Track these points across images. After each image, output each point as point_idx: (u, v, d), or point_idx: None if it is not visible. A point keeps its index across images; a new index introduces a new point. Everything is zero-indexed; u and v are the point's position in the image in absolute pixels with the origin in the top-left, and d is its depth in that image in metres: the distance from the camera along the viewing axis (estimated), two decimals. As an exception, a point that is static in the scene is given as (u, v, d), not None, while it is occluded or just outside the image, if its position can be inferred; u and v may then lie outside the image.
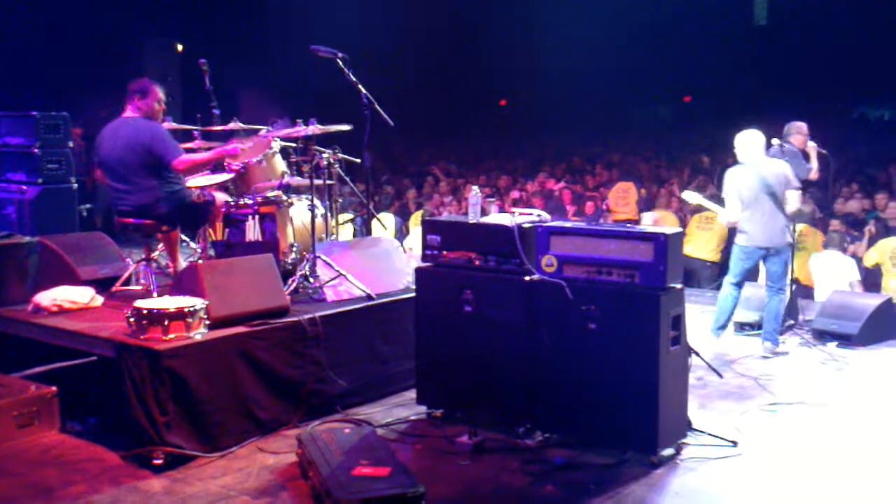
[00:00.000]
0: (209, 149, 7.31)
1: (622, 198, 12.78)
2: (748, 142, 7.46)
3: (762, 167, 7.38)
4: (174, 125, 7.27)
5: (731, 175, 7.54)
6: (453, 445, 5.19)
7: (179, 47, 17.84)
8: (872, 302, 7.86)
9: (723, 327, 7.58)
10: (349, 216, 11.16)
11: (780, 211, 7.32)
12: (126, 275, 6.57)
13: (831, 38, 19.81)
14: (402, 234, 12.29)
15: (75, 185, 9.09)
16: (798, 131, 8.52)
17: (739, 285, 7.52)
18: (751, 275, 7.83)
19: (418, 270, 5.73)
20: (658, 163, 16.97)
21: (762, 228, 7.31)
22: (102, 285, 6.41)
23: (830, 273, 9.19)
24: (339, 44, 6.92)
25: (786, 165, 7.48)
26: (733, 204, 7.46)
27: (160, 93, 6.37)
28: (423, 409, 5.77)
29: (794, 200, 7.44)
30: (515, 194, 14.24)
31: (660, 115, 23.83)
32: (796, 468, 4.96)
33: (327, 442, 4.82)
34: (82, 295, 6.06)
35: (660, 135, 19.30)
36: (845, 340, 7.56)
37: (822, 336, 7.72)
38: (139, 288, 6.49)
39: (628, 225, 7.36)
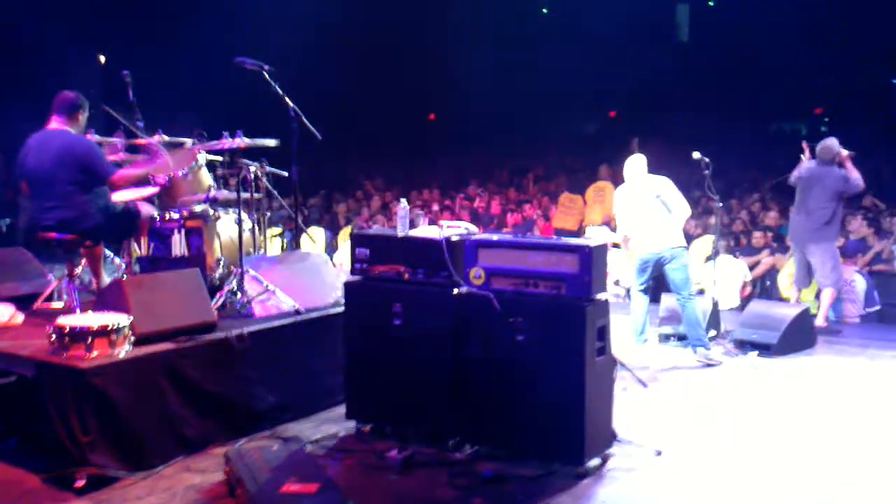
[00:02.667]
0: (131, 161, 7.27)
1: (568, 209, 12.99)
2: (634, 166, 7.88)
3: (648, 181, 7.80)
4: (98, 137, 7.15)
5: (618, 194, 8.07)
6: (383, 460, 5.18)
7: (102, 59, 17.50)
8: (790, 312, 8.10)
9: (642, 332, 7.95)
10: (278, 230, 11.09)
11: (670, 218, 7.65)
12: (48, 291, 6.43)
13: (750, 54, 20.37)
14: (331, 248, 12.26)
15: (-7, 201, 8.88)
16: (837, 146, 8.86)
17: (645, 291, 7.91)
18: (656, 282, 8.09)
19: (347, 284, 5.73)
20: (584, 176, 17.22)
21: (652, 236, 7.68)
22: (23, 302, 6.28)
23: (726, 276, 9.97)
24: (267, 57, 6.87)
25: (668, 180, 7.79)
26: (623, 220, 8.00)
27: (87, 106, 6.27)
28: (352, 424, 5.76)
29: (682, 209, 7.72)
30: (442, 206, 14.32)
31: (586, 130, 24.19)
32: (719, 475, 5.07)
33: (255, 459, 4.79)
34: (2, 312, 5.91)
35: (585, 149, 19.61)
36: (765, 350, 7.78)
37: (743, 345, 7.93)
38: (61, 305, 6.35)
39: (553, 237, 7.53)
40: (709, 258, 10.07)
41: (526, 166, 18.48)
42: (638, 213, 7.78)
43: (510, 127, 21.09)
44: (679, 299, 7.71)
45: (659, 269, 7.79)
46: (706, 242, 10.53)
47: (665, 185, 7.74)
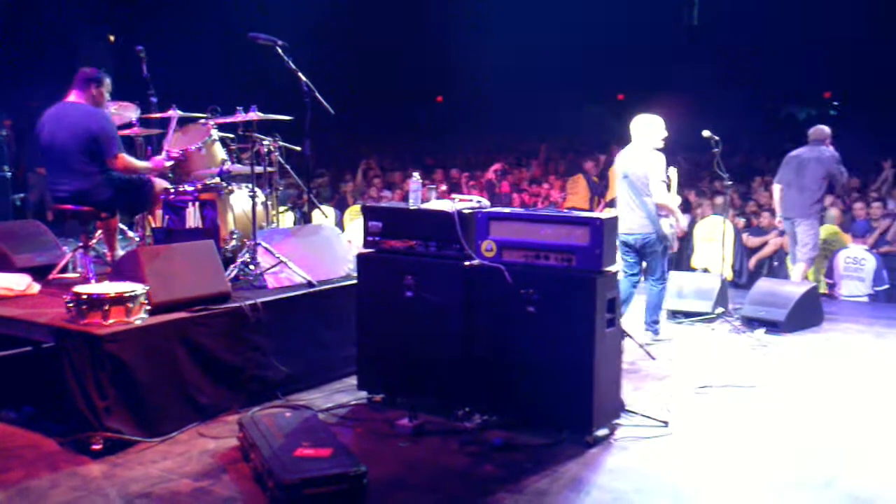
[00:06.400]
0: (147, 136, 7.37)
1: (572, 188, 13.36)
2: (638, 129, 7.25)
3: (631, 155, 7.23)
4: (114, 107, 7.22)
5: (617, 157, 7.48)
6: (394, 428, 5.25)
7: (111, 39, 17.54)
8: (798, 290, 8.16)
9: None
10: (284, 208, 11.17)
11: (640, 202, 7.07)
12: (63, 262, 6.50)
13: (759, 39, 20.33)
14: (340, 227, 12.30)
15: (9, 174, 8.95)
16: (828, 129, 9.16)
17: (631, 276, 7.35)
18: (638, 266, 7.41)
19: (360, 256, 5.79)
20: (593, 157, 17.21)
21: (623, 218, 7.08)
22: (38, 273, 6.34)
23: None
24: (276, 36, 6.88)
25: (652, 157, 7.11)
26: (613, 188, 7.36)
27: (110, 84, 6.36)
28: (363, 394, 5.83)
29: (658, 193, 7.06)
30: (450, 187, 14.35)
31: (593, 112, 24.13)
32: (725, 447, 5.14)
33: (269, 425, 4.85)
34: (18, 282, 5.99)
35: (594, 131, 19.58)
36: (773, 327, 7.83)
37: (751, 323, 7.98)
38: (76, 275, 6.42)
39: (564, 210, 7.45)
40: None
41: (534, 148, 18.49)
42: (618, 189, 7.32)
43: (517, 109, 21.09)
44: (647, 281, 7.45)
45: (638, 253, 7.27)
46: (714, 222, 10.54)
47: (643, 165, 7.06)
